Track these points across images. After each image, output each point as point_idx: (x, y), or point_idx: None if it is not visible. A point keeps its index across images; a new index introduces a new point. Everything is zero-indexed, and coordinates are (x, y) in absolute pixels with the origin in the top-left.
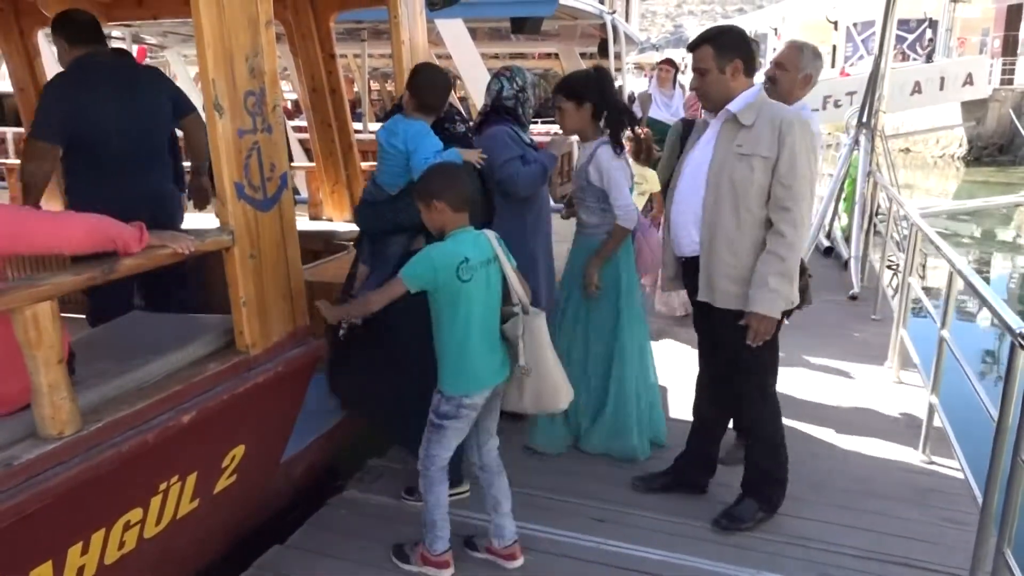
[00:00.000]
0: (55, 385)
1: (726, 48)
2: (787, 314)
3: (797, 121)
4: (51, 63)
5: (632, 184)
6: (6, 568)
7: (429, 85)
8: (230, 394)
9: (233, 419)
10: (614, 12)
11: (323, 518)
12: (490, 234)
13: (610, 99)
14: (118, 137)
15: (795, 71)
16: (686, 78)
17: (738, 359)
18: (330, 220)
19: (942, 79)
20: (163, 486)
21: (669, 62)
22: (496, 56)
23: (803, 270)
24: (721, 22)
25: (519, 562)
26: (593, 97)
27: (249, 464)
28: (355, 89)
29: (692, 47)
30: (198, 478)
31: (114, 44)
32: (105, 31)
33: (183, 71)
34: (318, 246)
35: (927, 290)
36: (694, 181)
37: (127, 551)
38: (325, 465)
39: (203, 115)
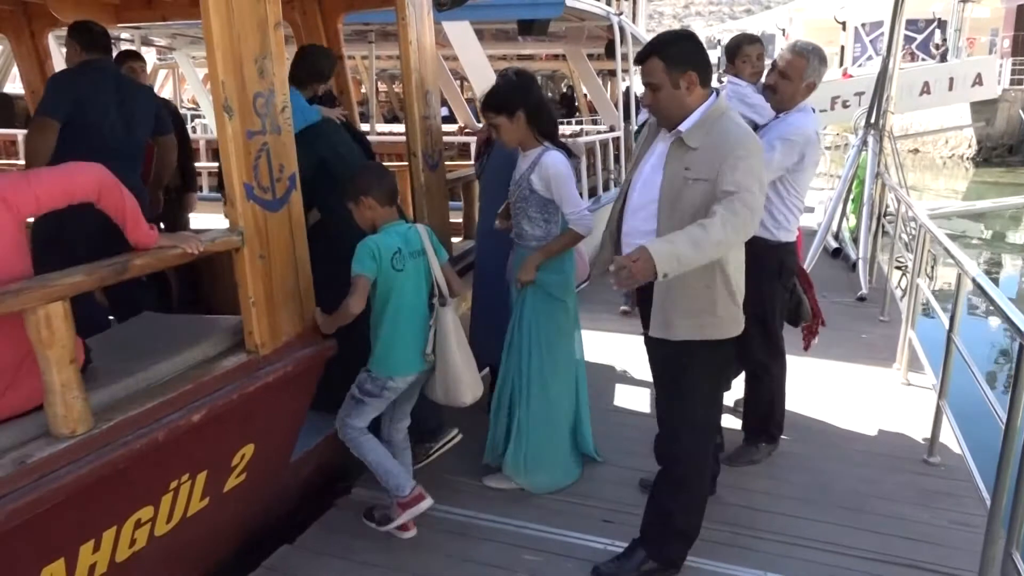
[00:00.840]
0: (67, 384)
1: (678, 60)
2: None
3: (741, 147)
4: (61, 66)
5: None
6: (20, 565)
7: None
8: (240, 393)
9: (243, 418)
10: (621, 13)
11: (331, 519)
12: (421, 228)
13: (536, 101)
14: (108, 130)
15: (799, 80)
16: None
17: (676, 384)
18: None
19: (951, 79)
20: (174, 484)
21: None
22: (503, 57)
23: (793, 289)
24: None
25: (428, 502)
26: (522, 103)
27: (258, 463)
28: (362, 90)
29: (639, 59)
30: (208, 477)
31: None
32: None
33: (191, 72)
34: None
35: (935, 292)
36: (643, 198)
37: (138, 549)
38: (334, 465)
39: (211, 119)
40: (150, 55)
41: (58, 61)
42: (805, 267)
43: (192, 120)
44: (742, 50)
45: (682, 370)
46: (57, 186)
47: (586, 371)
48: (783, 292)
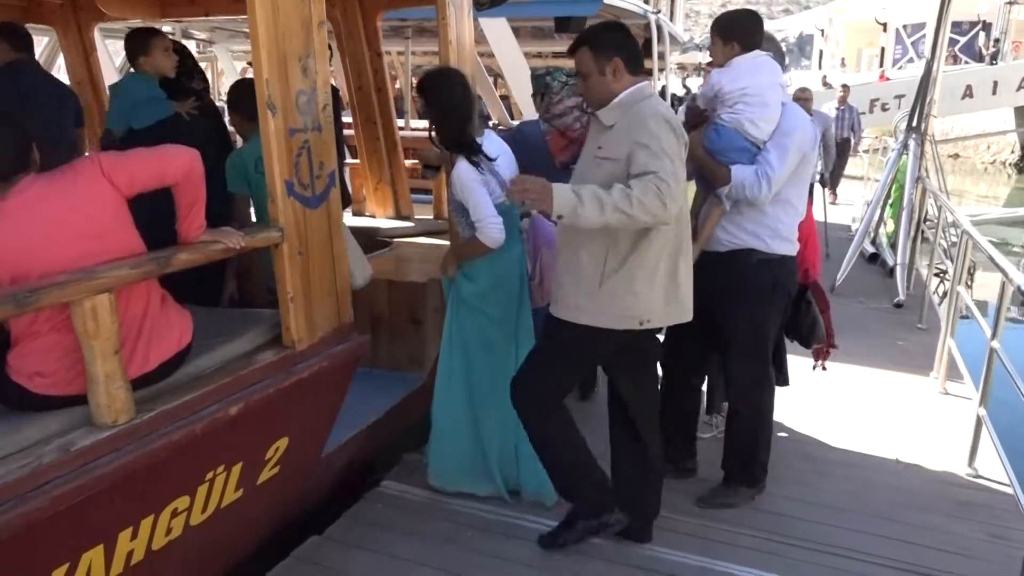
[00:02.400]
0: (111, 375)
1: (604, 48)
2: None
3: (653, 134)
4: (105, 59)
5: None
6: (62, 549)
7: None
8: (276, 388)
9: (278, 412)
10: (659, 12)
11: (360, 511)
12: None
13: (440, 109)
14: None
15: (720, 57)
16: None
17: (543, 348)
18: (373, 216)
19: (995, 83)
20: (209, 475)
21: (711, 63)
22: (539, 55)
23: (808, 308)
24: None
25: None
26: (430, 114)
27: (292, 456)
28: (397, 86)
29: (571, 51)
30: (243, 469)
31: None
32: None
33: (230, 66)
34: (361, 243)
35: (975, 300)
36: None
37: (173, 537)
38: (365, 459)
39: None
40: (190, 48)
41: (103, 55)
42: (839, 275)
43: (228, 113)
44: None
45: (549, 338)
46: (151, 166)
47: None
48: (777, 316)
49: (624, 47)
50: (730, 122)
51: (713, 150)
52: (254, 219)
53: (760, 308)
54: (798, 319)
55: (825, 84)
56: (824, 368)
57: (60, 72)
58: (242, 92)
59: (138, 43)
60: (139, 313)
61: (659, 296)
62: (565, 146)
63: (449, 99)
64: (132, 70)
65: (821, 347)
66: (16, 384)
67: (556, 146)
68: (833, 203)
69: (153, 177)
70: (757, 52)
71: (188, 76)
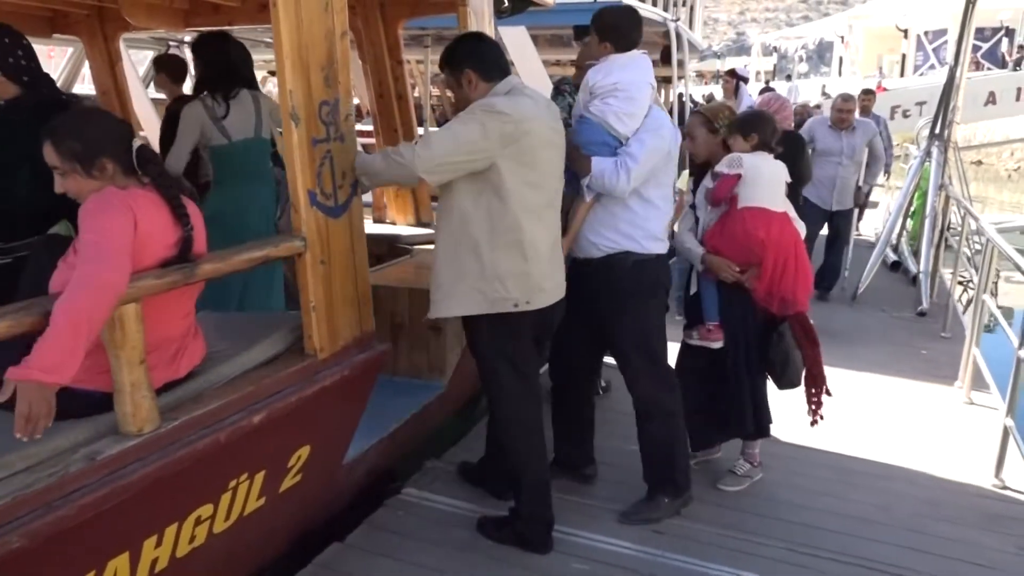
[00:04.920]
0: (137, 384)
1: (456, 63)
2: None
3: (476, 106)
4: (129, 68)
5: None
6: (88, 557)
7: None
8: (298, 396)
9: (300, 420)
10: (678, 19)
11: (381, 518)
12: None
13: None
14: None
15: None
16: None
17: None
18: (393, 224)
19: (1019, 89)
20: (233, 483)
21: (732, 73)
22: (557, 63)
23: (778, 341)
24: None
25: None
26: None
27: (313, 464)
28: (415, 94)
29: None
30: (265, 477)
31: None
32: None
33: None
34: (382, 250)
35: (1000, 308)
36: None
37: (197, 545)
38: (386, 467)
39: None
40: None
41: (126, 64)
42: (861, 283)
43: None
44: None
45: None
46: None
47: None
48: (661, 314)
49: (474, 58)
50: (597, 115)
51: (578, 143)
52: None
53: (644, 309)
54: (768, 355)
55: (824, 94)
56: (817, 421)
57: (86, 82)
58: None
59: None
60: (189, 327)
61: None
62: None
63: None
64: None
65: (812, 393)
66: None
67: None
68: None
69: None
70: (633, 52)
71: None
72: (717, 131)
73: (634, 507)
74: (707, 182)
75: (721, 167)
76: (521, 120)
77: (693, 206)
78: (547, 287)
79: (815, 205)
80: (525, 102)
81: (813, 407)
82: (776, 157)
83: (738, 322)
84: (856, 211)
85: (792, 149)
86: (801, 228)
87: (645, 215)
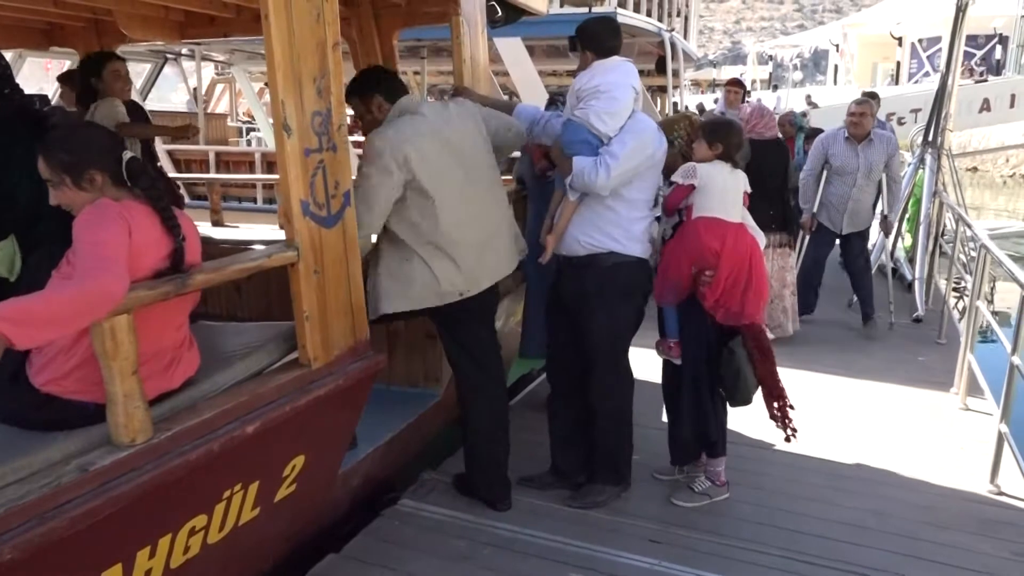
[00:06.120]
0: (129, 395)
1: (364, 91)
2: None
3: (371, 138)
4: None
5: None
6: (80, 569)
7: None
8: (292, 406)
9: (295, 430)
10: (672, 29)
11: (377, 529)
12: None
13: None
14: None
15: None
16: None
17: None
18: None
19: (1012, 96)
20: (227, 494)
21: (736, 83)
22: (553, 73)
23: (730, 356)
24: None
25: None
26: None
27: (308, 474)
28: None
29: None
30: (260, 487)
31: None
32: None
33: (248, 87)
34: None
35: (995, 314)
36: None
37: (191, 556)
38: (382, 476)
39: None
40: (208, 69)
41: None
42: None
43: (247, 133)
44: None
45: None
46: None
47: (636, 389)
48: (633, 318)
49: (380, 84)
50: (580, 116)
51: (562, 143)
52: None
53: (617, 310)
54: (720, 371)
55: (810, 103)
56: (790, 438)
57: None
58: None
59: None
60: (183, 338)
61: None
62: (541, 156)
63: None
64: None
65: (776, 407)
66: (42, 393)
67: (536, 156)
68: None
69: None
70: (615, 58)
71: None
72: (673, 143)
73: (581, 492)
74: (665, 191)
75: (676, 177)
76: (397, 147)
77: (658, 218)
78: (480, 276)
79: (824, 227)
80: (403, 125)
81: (778, 423)
82: (763, 165)
83: (691, 340)
84: (871, 232)
85: (776, 158)
86: (760, 238)
87: (629, 217)
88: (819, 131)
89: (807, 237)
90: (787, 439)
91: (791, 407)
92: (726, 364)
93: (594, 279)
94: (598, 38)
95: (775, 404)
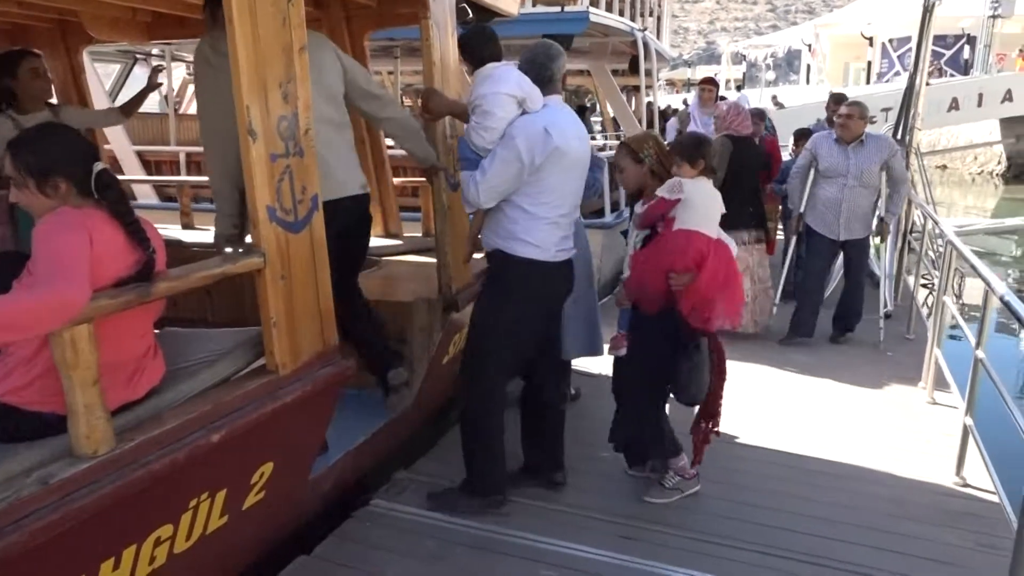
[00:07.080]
0: (91, 405)
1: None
2: None
3: None
4: (95, 82)
5: None
6: None
7: None
8: (259, 413)
9: (262, 437)
10: (645, 29)
11: (348, 530)
12: None
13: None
14: None
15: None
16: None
17: None
18: None
19: (980, 95)
20: (193, 503)
21: (711, 81)
22: None
23: (696, 348)
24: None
25: None
26: None
27: (277, 481)
28: None
29: None
30: (227, 495)
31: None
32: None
33: None
34: None
35: (963, 309)
36: None
37: (158, 566)
38: (353, 480)
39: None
40: (179, 70)
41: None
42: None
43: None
44: None
45: None
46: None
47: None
48: (527, 322)
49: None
50: (465, 133)
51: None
52: None
53: (490, 305)
54: (679, 365)
55: (776, 103)
56: (696, 461)
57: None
58: None
59: None
60: (147, 347)
61: None
62: None
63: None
64: None
65: (701, 428)
66: (2, 404)
67: None
68: None
69: None
70: (491, 64)
71: None
72: (642, 161)
73: (443, 491)
74: (639, 208)
75: (662, 191)
76: None
77: (624, 232)
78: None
79: (820, 235)
80: None
81: (696, 440)
82: (742, 160)
83: (637, 345)
84: (872, 239)
85: (752, 153)
86: (732, 247)
87: (526, 226)
88: (774, 136)
89: (793, 239)
90: (693, 464)
91: (716, 434)
92: (690, 354)
93: (488, 273)
94: (470, 50)
95: (707, 423)
